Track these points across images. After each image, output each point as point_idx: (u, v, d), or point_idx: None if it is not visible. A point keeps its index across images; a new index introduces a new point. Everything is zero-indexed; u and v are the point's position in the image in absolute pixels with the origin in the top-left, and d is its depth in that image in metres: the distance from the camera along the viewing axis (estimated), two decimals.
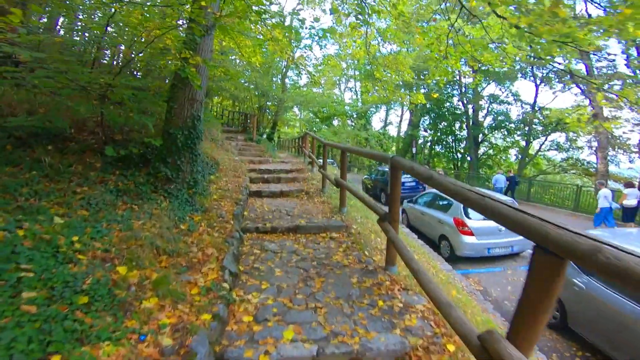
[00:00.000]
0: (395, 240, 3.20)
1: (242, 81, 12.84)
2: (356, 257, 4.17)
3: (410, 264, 2.79)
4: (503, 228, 7.74)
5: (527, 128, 20.79)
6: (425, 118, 31.54)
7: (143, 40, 4.01)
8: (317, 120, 19.81)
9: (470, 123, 22.42)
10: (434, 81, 7.82)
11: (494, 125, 22.77)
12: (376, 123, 40.30)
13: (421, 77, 20.74)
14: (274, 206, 6.32)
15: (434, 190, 9.90)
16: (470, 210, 7.84)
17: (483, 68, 24.37)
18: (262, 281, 3.43)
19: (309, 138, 11.00)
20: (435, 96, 7.56)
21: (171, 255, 3.14)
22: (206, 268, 3.18)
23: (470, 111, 22.79)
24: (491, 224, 7.75)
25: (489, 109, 23.32)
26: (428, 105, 28.20)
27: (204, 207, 4.65)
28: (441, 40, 5.60)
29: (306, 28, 16.79)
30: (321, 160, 7.53)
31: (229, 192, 6.05)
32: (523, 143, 23.00)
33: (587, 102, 19.00)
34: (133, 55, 4.33)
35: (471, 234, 7.63)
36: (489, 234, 7.70)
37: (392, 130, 40.17)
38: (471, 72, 23.34)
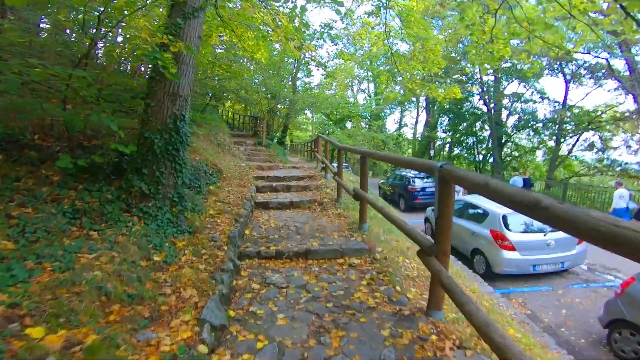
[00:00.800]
0: (446, 283, 2.21)
1: (250, 81, 12.06)
2: (385, 293, 3.19)
3: (476, 317, 1.82)
4: (552, 242, 6.59)
5: (557, 127, 19.25)
6: (443, 119, 30.20)
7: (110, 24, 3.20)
8: (330, 122, 18.78)
9: (493, 123, 21.00)
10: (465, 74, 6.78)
11: (519, 124, 21.25)
12: (390, 125, 39.18)
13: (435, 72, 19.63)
14: (282, 220, 5.41)
15: (463, 198, 8.84)
16: (511, 222, 6.74)
17: (504, 65, 23.03)
18: (258, 335, 2.50)
19: (321, 142, 10.09)
20: (455, 94, 6.45)
21: (129, 304, 2.25)
22: (178, 320, 2.27)
23: (491, 110, 21.37)
24: (537, 237, 6.65)
25: (513, 107, 21.83)
26: (447, 106, 26.94)
27: (194, 227, 3.77)
28: (486, 20, 4.57)
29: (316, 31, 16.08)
30: (335, 165, 6.59)
31: (229, 205, 5.18)
32: (551, 143, 21.42)
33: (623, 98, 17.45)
34: (94, 40, 3.52)
35: (513, 248, 6.55)
36: (535, 249, 6.59)
37: (407, 133, 38.91)
38: (490, 70, 22.05)
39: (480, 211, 7.50)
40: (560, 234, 6.73)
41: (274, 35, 5.08)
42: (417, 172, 17.27)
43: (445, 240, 2.41)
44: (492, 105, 20.66)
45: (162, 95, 3.36)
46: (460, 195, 10.83)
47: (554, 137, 19.90)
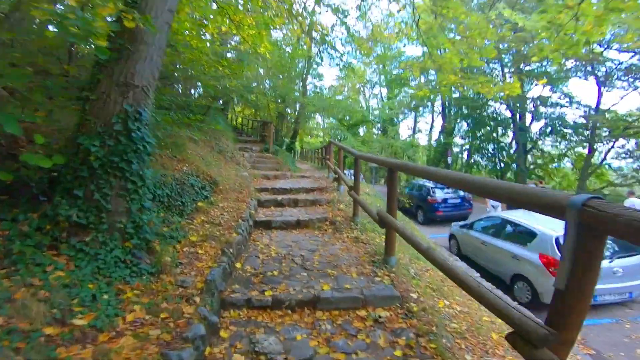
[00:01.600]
0: None
1: (257, 83, 11.17)
2: None
3: None
4: (620, 270, 5.35)
5: (589, 133, 17.71)
6: (460, 124, 28.81)
7: None
8: (342, 128, 17.62)
9: (517, 129, 19.54)
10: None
11: (547, 130, 19.73)
12: (402, 131, 37.80)
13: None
14: (285, 246, 4.35)
15: (501, 214, 7.62)
16: None
17: (526, 68, 21.61)
18: None
19: (333, 148, 9.05)
20: (513, 91, 5.16)
21: None
22: None
23: (517, 115, 19.92)
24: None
25: (537, 112, 20.33)
26: (465, 110, 25.59)
27: (159, 265, 2.74)
28: None
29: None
30: (349, 173, 5.51)
31: (219, 228, 4.15)
32: (580, 150, 19.84)
33: None
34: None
35: None
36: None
37: (421, 139, 37.50)
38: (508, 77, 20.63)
39: (525, 231, 6.30)
40: (631, 260, 5.55)
41: (276, 20, 4.07)
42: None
43: (575, 326, 1.30)
44: (517, 109, 19.24)
45: (107, 84, 2.38)
46: (499, 210, 9.56)
47: (586, 144, 18.35)
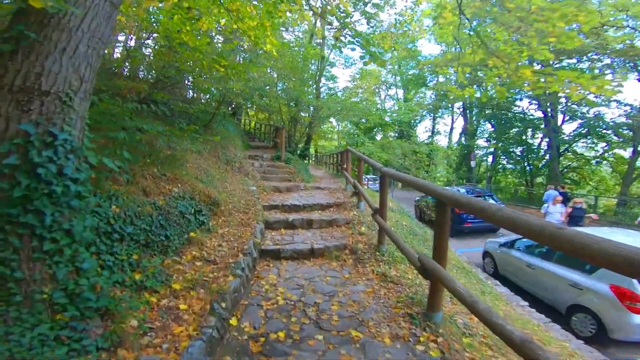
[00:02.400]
0: None
1: (268, 87, 10.43)
2: None
3: None
4: None
5: (632, 134, 16.10)
6: (484, 126, 27.33)
7: None
8: (358, 132, 16.59)
9: (552, 129, 18.05)
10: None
11: (582, 131, 18.16)
12: (419, 133, 36.30)
13: None
14: (295, 288, 3.49)
15: None
16: None
17: (557, 65, 20.07)
18: None
19: (351, 156, 8.16)
20: (608, 92, 4.09)
21: None
22: None
23: (549, 115, 18.41)
24: None
25: (572, 111, 18.77)
26: (487, 111, 24.17)
27: (116, 334, 1.93)
28: None
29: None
30: (369, 184, 4.60)
31: (213, 267, 3.33)
32: (622, 153, 18.18)
33: None
34: None
35: None
36: None
37: (440, 142, 36.00)
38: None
39: None
40: None
41: (282, 7, 3.24)
42: (468, 189, 14.77)
43: None
44: (549, 109, 17.79)
45: None
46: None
47: (627, 146, 16.73)
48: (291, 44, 11.24)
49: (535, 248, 6.65)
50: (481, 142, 25.53)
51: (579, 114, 18.55)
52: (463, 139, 28.84)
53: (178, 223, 3.45)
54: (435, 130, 35.53)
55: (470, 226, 11.17)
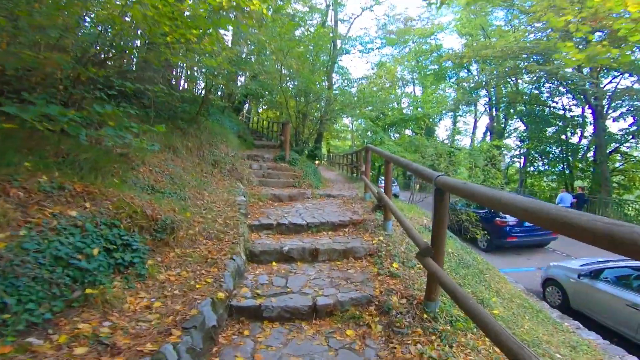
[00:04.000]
0: None
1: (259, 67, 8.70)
2: None
3: None
4: None
5: None
6: (513, 123, 24.98)
7: None
8: (377, 129, 14.50)
9: (600, 128, 15.71)
10: None
11: (633, 129, 15.76)
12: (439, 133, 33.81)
13: None
14: None
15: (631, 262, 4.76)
16: None
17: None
18: None
19: (371, 157, 6.41)
20: None
21: None
22: None
23: (598, 111, 16.02)
24: None
25: (622, 107, 16.35)
26: (519, 107, 21.86)
27: None
28: None
29: None
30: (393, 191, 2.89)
31: None
32: None
33: None
34: None
35: None
36: None
37: (462, 142, 33.57)
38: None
39: None
40: None
41: None
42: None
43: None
44: (595, 104, 15.48)
45: None
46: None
47: None
48: (298, 21, 9.50)
49: (634, 280, 4.82)
50: (509, 141, 23.18)
51: (631, 111, 16.13)
52: (488, 138, 26.50)
53: (48, 280, 1.80)
54: (457, 129, 33.23)
55: (514, 241, 9.25)
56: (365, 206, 5.51)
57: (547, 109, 19.22)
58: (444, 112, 29.44)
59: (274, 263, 3.64)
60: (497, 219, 9.34)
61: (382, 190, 4.57)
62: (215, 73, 6.45)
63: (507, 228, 9.24)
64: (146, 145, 3.39)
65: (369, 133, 16.21)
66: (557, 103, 18.90)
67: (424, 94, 30.75)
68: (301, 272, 3.45)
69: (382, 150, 5.00)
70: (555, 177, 19.60)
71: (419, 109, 19.29)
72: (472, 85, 24.41)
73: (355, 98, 10.06)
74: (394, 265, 3.47)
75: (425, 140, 10.20)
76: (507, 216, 9.32)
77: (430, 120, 22.73)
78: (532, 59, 16.54)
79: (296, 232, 4.34)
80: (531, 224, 9.29)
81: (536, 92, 19.62)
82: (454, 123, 32.97)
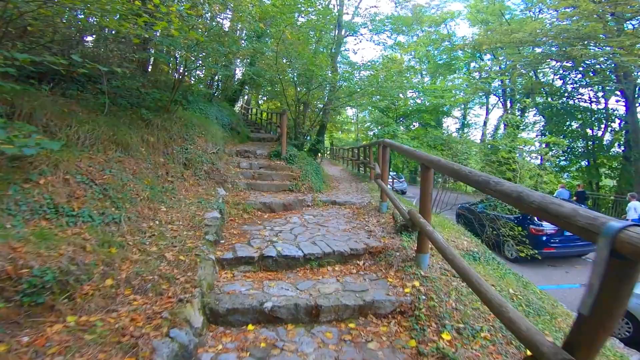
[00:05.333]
0: None
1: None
2: None
3: None
4: None
5: None
6: (529, 117, 23.33)
7: None
8: (388, 120, 12.69)
9: (636, 119, 14.13)
10: None
11: None
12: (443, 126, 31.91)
13: None
14: None
15: None
16: None
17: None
18: None
19: (388, 154, 5.01)
20: None
21: None
22: None
23: (635, 100, 14.42)
24: None
25: None
26: (538, 99, 20.25)
27: None
28: None
29: None
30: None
31: None
32: None
33: None
34: None
35: None
36: None
37: (472, 136, 31.90)
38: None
39: None
40: None
41: None
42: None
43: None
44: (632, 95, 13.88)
45: None
46: None
47: None
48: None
49: None
50: (524, 134, 21.57)
51: None
52: (501, 131, 24.88)
53: None
54: (466, 122, 31.56)
55: (552, 252, 7.85)
56: (384, 222, 4.13)
57: (572, 100, 17.63)
58: (469, 101, 27.44)
59: (249, 327, 2.29)
60: (532, 226, 7.93)
61: (399, 202, 3.17)
62: (201, 54, 5.06)
63: (544, 237, 7.85)
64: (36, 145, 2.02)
65: (371, 126, 14.63)
66: (582, 95, 17.31)
67: (432, 82, 29.00)
68: (292, 348, 2.10)
69: (413, 150, 3.55)
70: (578, 174, 18.03)
71: (441, 99, 17.39)
72: (485, 76, 22.76)
73: (367, 82, 8.51)
74: (443, 337, 2.11)
75: (450, 136, 8.70)
76: (544, 223, 7.91)
77: (445, 110, 21.04)
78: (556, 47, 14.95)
79: (288, 267, 2.98)
80: (572, 235, 7.96)
81: (559, 82, 18.04)
82: (464, 116, 31.26)
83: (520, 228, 7.80)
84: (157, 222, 3.05)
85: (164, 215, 3.24)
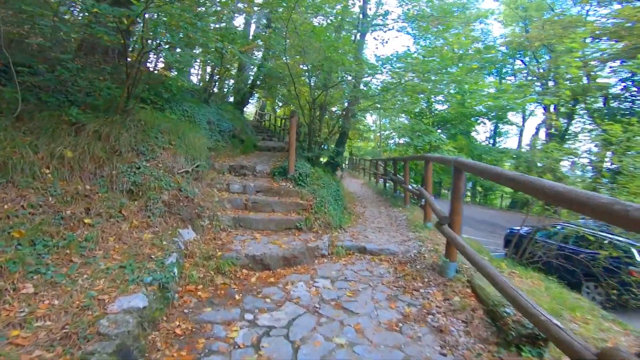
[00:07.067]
0: None
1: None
2: None
3: None
4: None
5: None
6: (574, 122, 20.71)
7: None
8: (428, 128, 10.15)
9: None
10: None
11: None
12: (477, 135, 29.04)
13: None
14: None
15: None
16: None
17: None
18: None
19: (465, 180, 3.15)
20: None
21: None
22: None
23: None
24: None
25: None
26: (588, 99, 17.68)
27: None
28: None
29: None
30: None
31: None
32: None
33: None
34: None
35: None
36: None
37: (506, 144, 29.06)
38: None
39: None
40: None
41: None
42: None
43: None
44: None
45: None
46: None
47: None
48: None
49: None
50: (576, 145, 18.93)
51: None
52: (540, 141, 22.21)
53: None
54: (498, 130, 28.87)
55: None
56: (459, 305, 2.20)
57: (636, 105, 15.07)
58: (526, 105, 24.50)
59: None
60: (633, 268, 5.71)
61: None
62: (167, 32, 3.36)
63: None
64: None
65: (391, 134, 12.19)
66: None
67: (480, 85, 26.36)
68: None
69: (525, 176, 1.64)
70: None
71: (503, 101, 14.77)
72: (531, 78, 20.38)
73: (403, 72, 6.39)
74: None
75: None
76: None
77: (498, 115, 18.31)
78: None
79: None
80: None
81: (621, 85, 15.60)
82: (496, 125, 28.48)
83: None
84: None
85: (23, 306, 1.46)
